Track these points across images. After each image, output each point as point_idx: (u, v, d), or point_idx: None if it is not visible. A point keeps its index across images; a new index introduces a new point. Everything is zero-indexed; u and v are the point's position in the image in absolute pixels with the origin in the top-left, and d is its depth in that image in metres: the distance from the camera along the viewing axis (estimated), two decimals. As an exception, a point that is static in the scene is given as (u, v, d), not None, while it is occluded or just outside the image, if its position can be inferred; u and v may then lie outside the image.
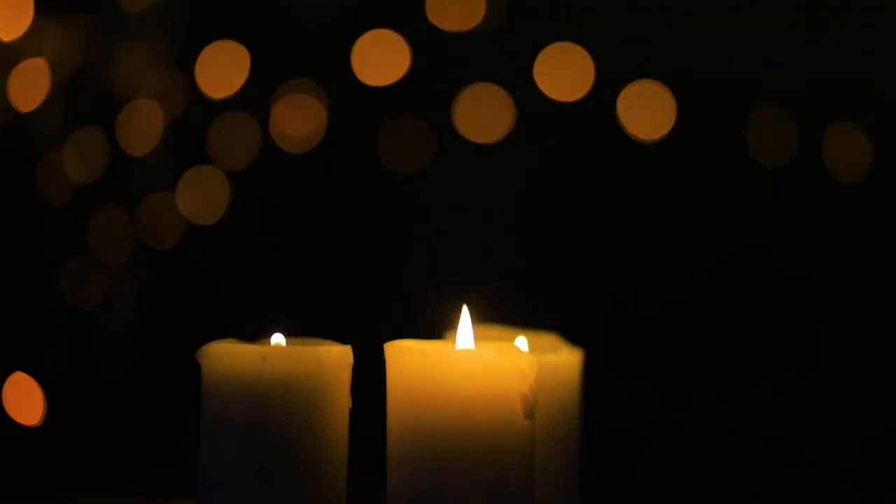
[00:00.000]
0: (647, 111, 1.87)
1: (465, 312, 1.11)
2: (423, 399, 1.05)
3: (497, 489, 1.05)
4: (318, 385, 1.09)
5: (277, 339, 1.13)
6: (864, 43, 1.86)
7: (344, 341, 1.12)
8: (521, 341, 1.21)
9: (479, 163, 1.90)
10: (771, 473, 1.84)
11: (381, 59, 1.90)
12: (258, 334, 1.14)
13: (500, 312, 1.33)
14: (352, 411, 1.12)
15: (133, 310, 1.89)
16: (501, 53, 1.89)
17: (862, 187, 1.85)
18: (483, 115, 1.89)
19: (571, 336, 1.28)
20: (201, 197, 1.91)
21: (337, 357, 1.10)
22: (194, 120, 1.90)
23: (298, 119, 1.91)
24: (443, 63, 1.90)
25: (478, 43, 1.89)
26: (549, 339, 1.27)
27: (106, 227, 1.88)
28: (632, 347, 1.90)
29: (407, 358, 1.07)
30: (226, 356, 1.08)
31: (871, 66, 1.86)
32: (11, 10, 1.84)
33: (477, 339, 1.10)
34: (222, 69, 1.90)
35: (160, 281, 1.90)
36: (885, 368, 1.85)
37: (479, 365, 1.05)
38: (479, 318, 1.27)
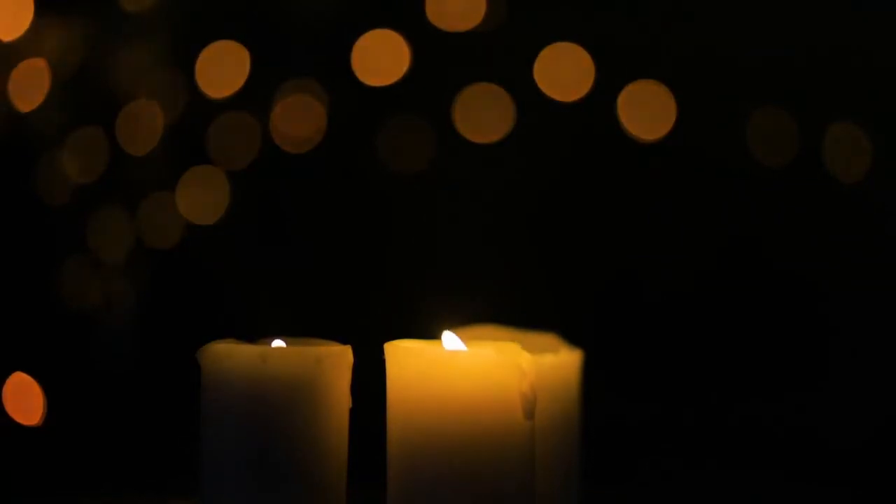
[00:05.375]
0: (647, 111, 1.87)
1: (447, 335, 1.10)
2: (423, 399, 1.05)
3: (497, 489, 1.05)
4: (318, 385, 1.09)
5: (278, 344, 1.13)
6: (865, 43, 1.86)
7: (344, 341, 1.12)
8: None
9: (479, 163, 1.90)
10: (771, 473, 1.84)
11: (381, 59, 1.90)
12: (258, 334, 1.14)
13: (499, 312, 1.33)
14: (352, 411, 1.12)
15: (133, 310, 1.89)
16: (501, 53, 1.89)
17: (862, 187, 1.85)
18: (483, 115, 1.89)
19: (571, 336, 1.28)
20: (201, 197, 1.91)
21: (337, 357, 1.10)
22: (194, 120, 1.90)
23: (298, 119, 1.91)
24: (443, 63, 1.90)
25: (478, 43, 1.89)
26: (549, 339, 1.27)
27: (106, 227, 1.88)
28: (631, 347, 1.90)
29: (407, 358, 1.07)
30: (226, 356, 1.08)
31: (870, 66, 1.86)
32: (11, 10, 1.84)
33: (475, 339, 1.10)
34: (222, 69, 1.90)
35: (160, 281, 1.90)
36: (887, 368, 1.85)
37: (479, 365, 1.05)
38: (477, 318, 1.27)
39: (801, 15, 1.87)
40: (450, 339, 1.10)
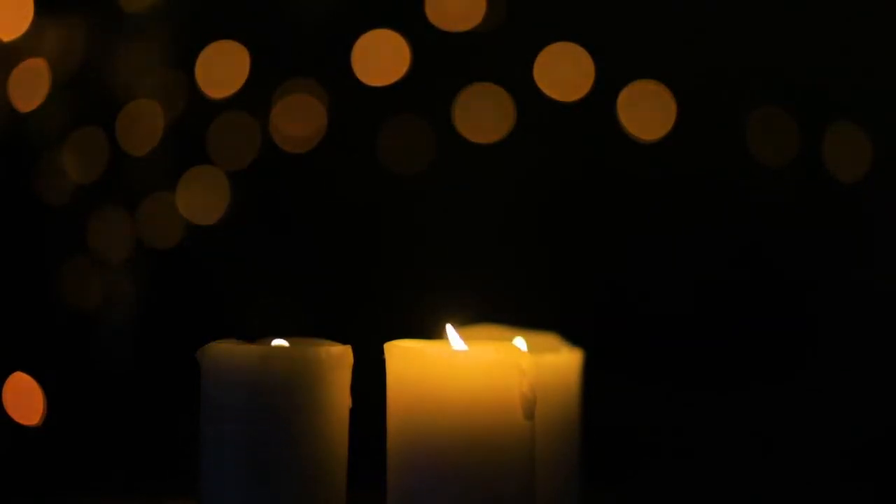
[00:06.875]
0: (647, 111, 1.87)
1: (449, 329, 1.10)
2: (422, 399, 1.05)
3: (497, 489, 1.05)
4: (318, 385, 1.09)
5: (278, 344, 1.13)
6: (865, 43, 1.86)
7: (344, 341, 1.12)
8: (520, 341, 1.21)
9: (479, 163, 1.90)
10: (771, 473, 1.84)
11: (381, 59, 1.90)
12: (258, 334, 1.14)
13: (500, 312, 1.33)
14: (352, 411, 1.12)
15: (133, 310, 1.89)
16: (501, 53, 1.89)
17: (862, 187, 1.85)
18: (483, 115, 1.89)
19: (571, 336, 1.28)
20: (201, 197, 1.91)
21: (337, 357, 1.10)
22: (194, 120, 1.90)
23: (298, 119, 1.91)
24: (443, 63, 1.90)
25: (478, 43, 1.89)
26: (549, 339, 1.27)
27: (106, 227, 1.88)
28: (631, 347, 1.90)
29: (407, 358, 1.07)
30: (226, 356, 1.08)
31: (871, 66, 1.86)
32: (11, 10, 1.84)
33: (476, 339, 1.10)
34: (222, 69, 1.90)
35: (160, 281, 1.90)
36: (884, 368, 1.85)
37: (479, 365, 1.05)
38: (478, 318, 1.27)
39: (800, 15, 1.87)
40: (451, 333, 1.10)
